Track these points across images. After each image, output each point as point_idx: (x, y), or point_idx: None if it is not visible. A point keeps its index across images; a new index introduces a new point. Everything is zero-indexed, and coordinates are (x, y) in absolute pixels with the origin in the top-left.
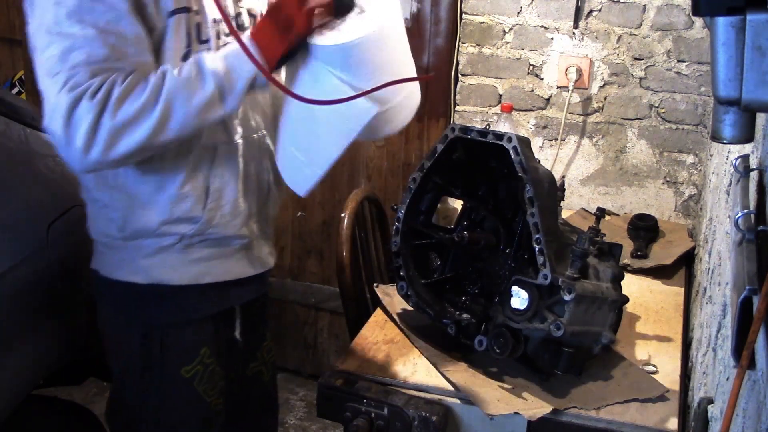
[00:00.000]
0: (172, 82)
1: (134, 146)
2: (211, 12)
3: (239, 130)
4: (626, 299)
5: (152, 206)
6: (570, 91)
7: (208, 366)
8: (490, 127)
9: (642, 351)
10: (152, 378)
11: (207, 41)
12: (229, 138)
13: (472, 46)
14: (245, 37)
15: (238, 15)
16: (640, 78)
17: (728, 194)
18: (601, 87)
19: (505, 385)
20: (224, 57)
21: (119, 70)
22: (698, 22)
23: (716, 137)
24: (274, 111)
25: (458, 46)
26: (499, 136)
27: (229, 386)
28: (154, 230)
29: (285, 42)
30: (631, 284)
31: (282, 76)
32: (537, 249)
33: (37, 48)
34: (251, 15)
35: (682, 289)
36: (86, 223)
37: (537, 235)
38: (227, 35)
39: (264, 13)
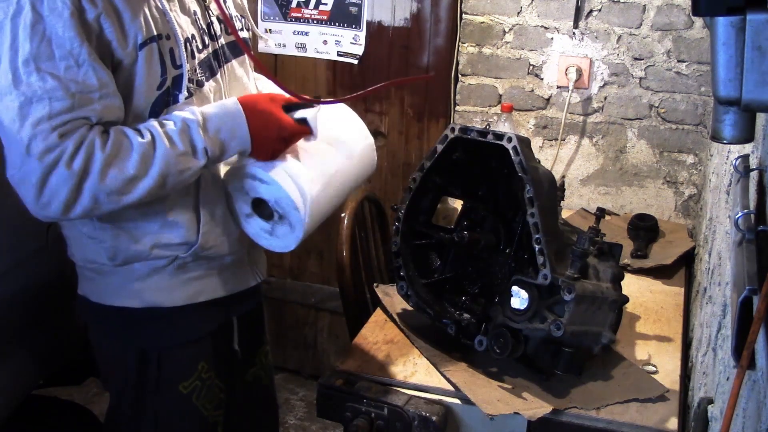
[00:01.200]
0: (163, 155)
1: (121, 207)
2: (182, 32)
3: None
4: (626, 299)
5: (142, 235)
6: (570, 91)
7: (206, 380)
8: (490, 127)
9: (642, 351)
10: (149, 396)
11: (181, 66)
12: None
13: (472, 46)
14: (234, 106)
15: (209, 25)
16: (640, 78)
17: (728, 194)
18: (601, 87)
19: (505, 385)
20: (218, 128)
21: (85, 118)
22: (698, 22)
23: (716, 137)
24: None
25: (458, 46)
26: (499, 136)
27: (229, 393)
28: (147, 254)
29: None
30: (631, 284)
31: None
32: (537, 249)
33: None
34: (220, 21)
35: (682, 289)
36: (67, 248)
37: (537, 235)
38: (200, 51)
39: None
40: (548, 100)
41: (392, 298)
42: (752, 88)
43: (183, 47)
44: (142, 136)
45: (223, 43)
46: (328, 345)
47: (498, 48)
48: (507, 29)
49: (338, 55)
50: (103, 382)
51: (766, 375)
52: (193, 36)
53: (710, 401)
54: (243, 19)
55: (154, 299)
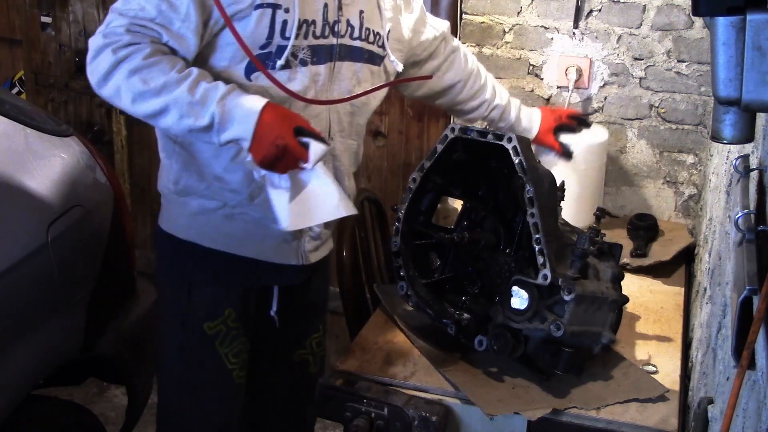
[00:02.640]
0: (180, 92)
1: (127, 109)
2: (303, 13)
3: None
4: (626, 299)
5: (206, 169)
6: (570, 91)
7: (231, 329)
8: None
9: (642, 351)
10: (177, 325)
11: (288, 38)
12: None
13: (472, 46)
14: (259, 102)
15: (336, 22)
16: (640, 78)
17: (728, 194)
18: (601, 87)
19: (505, 385)
20: (235, 105)
21: (157, 33)
22: (698, 22)
23: (716, 137)
24: (351, 120)
25: None
26: (499, 136)
27: (271, 368)
28: (202, 191)
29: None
30: (631, 284)
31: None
32: (537, 249)
33: None
34: (349, 25)
35: (682, 288)
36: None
37: (537, 235)
38: (316, 37)
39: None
40: (548, 100)
41: (392, 298)
42: (752, 88)
43: (296, 24)
44: (181, 71)
45: (342, 43)
46: (328, 345)
47: (498, 48)
48: (507, 29)
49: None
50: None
51: (766, 375)
52: (314, 21)
53: (710, 401)
54: (377, 36)
55: (197, 236)
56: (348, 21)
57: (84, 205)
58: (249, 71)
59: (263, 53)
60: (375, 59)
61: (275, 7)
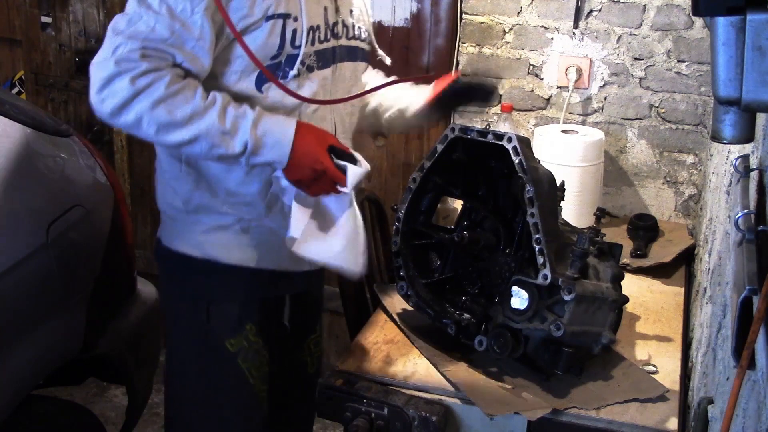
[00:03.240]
0: (210, 122)
1: (150, 139)
2: (310, 20)
3: None
4: (626, 299)
5: (218, 185)
6: (570, 91)
7: (253, 344)
8: (490, 127)
9: (642, 351)
10: (197, 346)
11: (299, 47)
12: None
13: (472, 46)
14: (291, 124)
15: (334, 24)
16: (640, 78)
17: (728, 194)
18: (601, 87)
19: (505, 385)
20: (267, 131)
21: (171, 56)
22: (698, 22)
23: (716, 137)
24: (350, 120)
25: (458, 46)
26: (499, 136)
27: (273, 371)
28: (217, 208)
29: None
30: (631, 284)
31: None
32: (537, 249)
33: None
34: (345, 25)
35: (682, 289)
36: (155, 193)
37: (537, 235)
38: (321, 42)
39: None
40: (548, 100)
41: (392, 298)
42: (752, 88)
43: (306, 32)
44: (206, 98)
45: (341, 44)
46: (328, 345)
47: (498, 48)
48: (507, 29)
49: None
50: (166, 335)
51: (766, 375)
52: (318, 27)
53: (710, 401)
54: (365, 32)
55: (213, 252)
56: (343, 21)
57: (84, 205)
58: (260, 83)
59: (273, 63)
60: (366, 56)
61: (285, 17)
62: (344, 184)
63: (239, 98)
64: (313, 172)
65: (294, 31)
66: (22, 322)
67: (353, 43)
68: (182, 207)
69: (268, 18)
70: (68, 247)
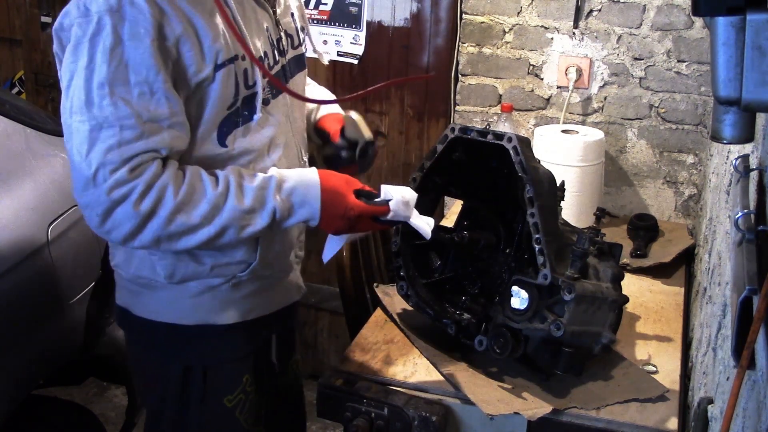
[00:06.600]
0: (231, 209)
1: (176, 249)
2: (256, 51)
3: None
4: (626, 299)
5: (203, 255)
6: (570, 91)
7: (249, 394)
8: (490, 127)
9: (642, 351)
10: (192, 410)
11: (254, 85)
12: None
13: (472, 46)
14: (313, 176)
15: (278, 40)
16: (640, 78)
17: (728, 194)
18: (601, 87)
19: (505, 385)
20: (291, 192)
21: (154, 151)
22: (698, 22)
23: (716, 137)
24: (305, 138)
25: (458, 46)
26: (499, 136)
27: (265, 407)
28: (206, 274)
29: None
30: (631, 284)
31: None
32: (537, 249)
33: (66, 106)
34: (288, 35)
35: (682, 289)
36: (113, 260)
37: (537, 235)
38: (271, 68)
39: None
40: (548, 100)
41: (392, 298)
42: (752, 88)
43: (257, 67)
44: (217, 185)
45: (289, 57)
46: (328, 345)
47: (498, 48)
48: (507, 29)
49: (338, 55)
50: (140, 394)
51: (766, 375)
52: (266, 54)
53: (710, 401)
54: (303, 32)
55: (206, 317)
56: (286, 31)
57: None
58: (222, 137)
59: (230, 113)
60: (305, 58)
61: (233, 60)
62: (386, 212)
63: (205, 164)
64: (349, 221)
65: (245, 71)
66: (22, 322)
67: (299, 51)
68: (165, 280)
69: (218, 68)
70: (68, 247)
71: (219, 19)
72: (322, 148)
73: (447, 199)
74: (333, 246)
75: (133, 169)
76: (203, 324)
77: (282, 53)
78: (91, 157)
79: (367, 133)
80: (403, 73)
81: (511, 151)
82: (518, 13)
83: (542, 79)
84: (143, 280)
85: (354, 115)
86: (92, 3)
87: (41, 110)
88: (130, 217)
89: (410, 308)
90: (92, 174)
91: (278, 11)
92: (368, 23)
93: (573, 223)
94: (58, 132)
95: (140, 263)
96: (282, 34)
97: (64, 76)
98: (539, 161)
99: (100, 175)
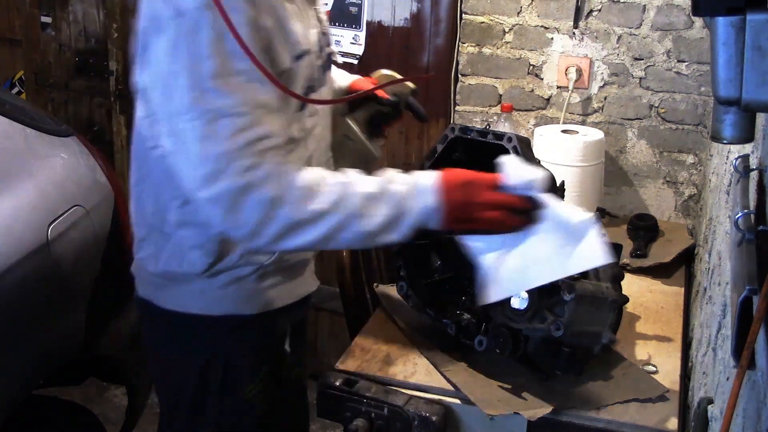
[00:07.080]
0: (356, 195)
1: (301, 245)
2: (309, 44)
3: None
4: (626, 299)
5: (235, 245)
6: (570, 91)
7: (267, 383)
8: (490, 127)
9: (642, 351)
10: (211, 399)
11: (316, 78)
12: None
13: (472, 46)
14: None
15: (323, 34)
16: (640, 78)
17: (728, 194)
18: (601, 87)
19: (505, 385)
20: (407, 186)
21: (268, 136)
22: (698, 22)
23: (716, 137)
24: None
25: (458, 46)
26: (499, 136)
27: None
28: (235, 264)
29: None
30: (631, 284)
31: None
32: None
33: (166, 110)
34: (325, 34)
35: (682, 289)
36: (138, 253)
37: None
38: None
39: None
40: (548, 100)
41: (392, 298)
42: (752, 88)
43: (310, 58)
44: (339, 180)
45: (327, 52)
46: (328, 345)
47: (498, 48)
48: (507, 29)
49: (338, 55)
50: (157, 387)
51: (766, 375)
52: (320, 47)
53: (710, 401)
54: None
55: (233, 308)
56: (323, 31)
57: (84, 205)
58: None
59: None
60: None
61: (306, 53)
62: (525, 205)
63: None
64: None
65: (311, 64)
66: (22, 322)
67: (331, 48)
68: (200, 273)
69: (297, 59)
70: (68, 247)
71: (292, 14)
72: (362, 110)
73: None
74: (489, 275)
75: (254, 155)
76: (229, 315)
77: (322, 50)
78: (210, 151)
79: (410, 84)
80: (403, 74)
81: (511, 151)
82: (518, 13)
83: (542, 79)
84: (171, 275)
85: (387, 71)
86: (182, 2)
87: (41, 110)
88: (258, 205)
89: (410, 308)
90: (214, 167)
91: (319, 9)
92: (368, 23)
93: None
94: (58, 132)
95: (170, 258)
96: (324, 30)
97: (155, 80)
98: (539, 161)
99: (223, 165)
